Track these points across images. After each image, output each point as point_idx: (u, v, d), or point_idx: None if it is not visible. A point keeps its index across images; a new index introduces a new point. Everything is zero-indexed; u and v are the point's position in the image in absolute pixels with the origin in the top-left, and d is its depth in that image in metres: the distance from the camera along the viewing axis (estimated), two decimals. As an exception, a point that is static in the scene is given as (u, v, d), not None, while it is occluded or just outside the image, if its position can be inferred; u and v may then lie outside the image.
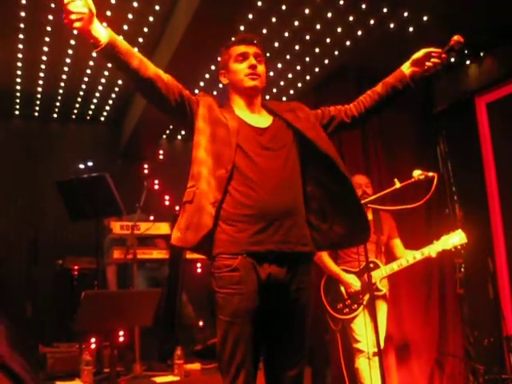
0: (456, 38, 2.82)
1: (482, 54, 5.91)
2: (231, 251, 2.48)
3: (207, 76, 6.43)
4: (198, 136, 2.64)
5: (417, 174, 3.50)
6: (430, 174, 3.47)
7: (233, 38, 2.88)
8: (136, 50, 2.56)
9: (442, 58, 2.82)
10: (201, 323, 6.33)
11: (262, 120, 2.74)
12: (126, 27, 5.54)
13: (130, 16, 5.39)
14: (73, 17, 2.29)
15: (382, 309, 4.70)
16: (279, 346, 2.58)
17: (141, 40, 5.83)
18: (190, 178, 2.62)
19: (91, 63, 6.31)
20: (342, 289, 4.67)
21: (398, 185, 3.46)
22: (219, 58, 2.88)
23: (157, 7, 5.35)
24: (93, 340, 5.19)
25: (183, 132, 8.25)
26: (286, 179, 2.59)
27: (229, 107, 2.77)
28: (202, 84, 6.58)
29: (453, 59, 5.91)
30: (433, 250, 4.52)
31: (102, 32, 2.40)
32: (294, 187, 2.63)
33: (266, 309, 2.52)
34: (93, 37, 2.38)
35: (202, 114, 2.66)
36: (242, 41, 2.77)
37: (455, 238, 4.51)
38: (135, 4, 5.24)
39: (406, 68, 2.95)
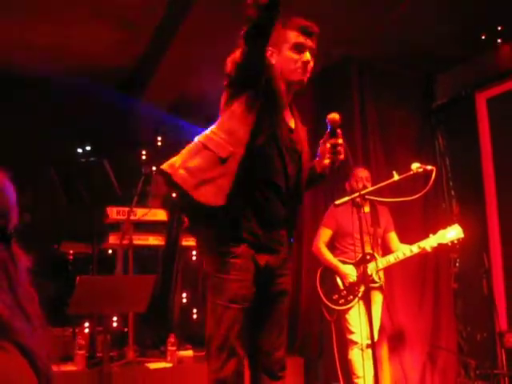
0: (330, 116, 2.66)
1: (482, 50, 5.90)
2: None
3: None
4: (251, 107, 2.52)
5: (415, 166, 3.49)
6: (429, 167, 3.47)
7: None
8: None
9: (333, 144, 2.66)
10: (194, 310, 6.34)
11: (289, 118, 2.76)
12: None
13: None
14: None
15: (378, 300, 4.72)
16: (264, 328, 2.65)
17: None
18: (225, 131, 2.54)
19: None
20: (338, 280, 4.68)
21: (396, 177, 3.46)
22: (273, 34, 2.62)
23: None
24: (86, 325, 5.20)
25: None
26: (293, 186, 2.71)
27: None
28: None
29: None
30: (429, 243, 4.53)
31: None
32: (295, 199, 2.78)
33: (257, 295, 2.57)
34: None
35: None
36: (303, 29, 2.64)
37: (452, 233, 4.52)
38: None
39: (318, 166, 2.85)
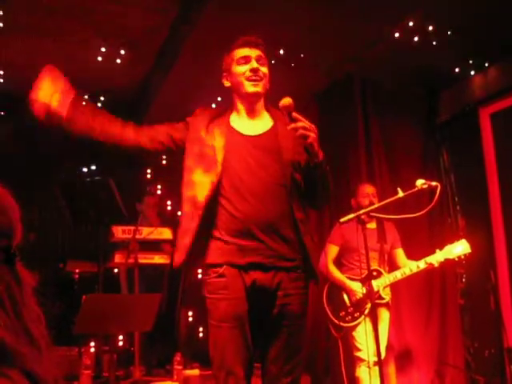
0: (281, 103, 2.50)
1: (486, 65, 5.91)
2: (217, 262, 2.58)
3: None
4: (187, 159, 2.70)
5: (420, 183, 3.48)
6: (434, 183, 3.47)
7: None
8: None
9: (293, 128, 2.47)
10: (201, 329, 6.32)
11: (258, 126, 2.75)
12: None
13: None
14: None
15: (385, 317, 4.69)
16: (272, 353, 2.58)
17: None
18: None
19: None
20: (345, 297, 4.66)
21: (401, 194, 3.45)
22: (223, 62, 2.85)
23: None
24: (92, 344, 5.19)
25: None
26: (269, 190, 2.60)
27: (224, 117, 2.78)
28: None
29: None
30: (436, 259, 4.50)
31: None
32: (279, 199, 2.61)
33: (256, 314, 2.55)
34: None
35: (190, 137, 2.72)
36: (245, 43, 2.74)
37: (459, 248, 4.50)
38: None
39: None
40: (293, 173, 2.64)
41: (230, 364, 2.45)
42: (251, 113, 2.76)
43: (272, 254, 2.55)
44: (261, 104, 2.79)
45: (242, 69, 2.69)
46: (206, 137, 2.68)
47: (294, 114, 2.46)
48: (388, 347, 4.74)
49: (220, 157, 2.61)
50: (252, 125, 2.74)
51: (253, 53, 2.71)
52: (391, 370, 5.08)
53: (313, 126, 2.47)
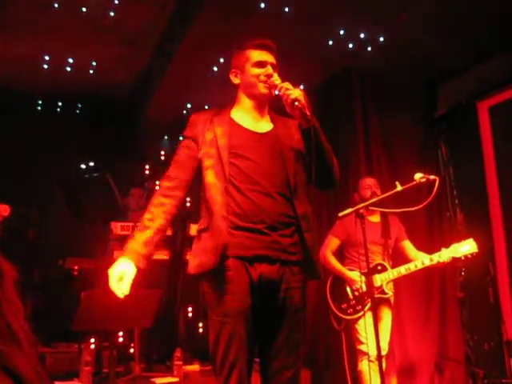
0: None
1: (484, 58, 5.90)
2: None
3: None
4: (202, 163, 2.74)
5: (418, 177, 3.49)
6: (432, 177, 3.47)
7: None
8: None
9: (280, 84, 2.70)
10: (200, 324, 6.33)
11: (260, 125, 2.81)
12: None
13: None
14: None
15: (387, 313, 4.68)
16: (273, 347, 2.59)
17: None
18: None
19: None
20: (348, 289, 4.66)
21: (399, 188, 3.46)
22: (233, 57, 2.90)
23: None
24: (92, 340, 5.19)
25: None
26: (272, 185, 2.64)
27: (225, 114, 2.83)
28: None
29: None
30: (442, 257, 4.49)
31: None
32: (281, 195, 2.65)
33: (258, 309, 2.55)
34: None
35: (200, 146, 2.76)
36: (262, 46, 2.81)
37: (466, 247, 4.47)
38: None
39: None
40: (295, 165, 2.70)
41: (233, 359, 2.45)
42: (258, 111, 2.83)
43: (277, 247, 2.57)
44: (267, 106, 2.87)
45: (257, 71, 2.77)
46: (210, 139, 2.72)
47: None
48: (390, 355, 4.74)
49: (225, 157, 2.65)
50: (255, 123, 2.81)
51: (269, 58, 2.79)
52: (391, 363, 5.07)
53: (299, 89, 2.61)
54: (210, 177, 2.66)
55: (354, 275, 4.62)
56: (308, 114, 2.57)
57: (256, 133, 2.76)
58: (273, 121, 2.85)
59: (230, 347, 2.45)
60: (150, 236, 2.63)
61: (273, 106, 2.90)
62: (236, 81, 2.85)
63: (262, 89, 2.76)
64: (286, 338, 2.58)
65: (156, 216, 2.67)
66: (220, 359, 2.47)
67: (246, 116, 2.82)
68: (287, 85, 2.63)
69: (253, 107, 2.82)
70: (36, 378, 1.28)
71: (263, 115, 2.85)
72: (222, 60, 5.76)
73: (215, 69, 6.03)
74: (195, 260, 2.65)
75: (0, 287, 1.30)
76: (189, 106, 7.03)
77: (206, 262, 2.56)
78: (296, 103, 2.55)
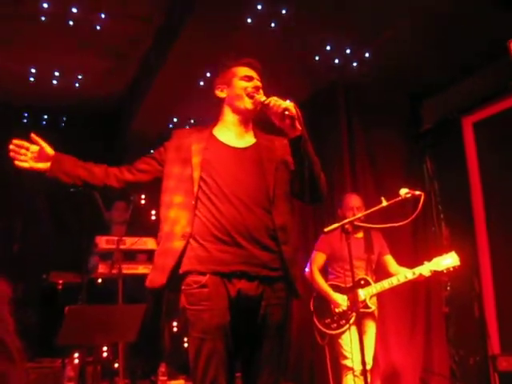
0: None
1: (468, 74, 5.94)
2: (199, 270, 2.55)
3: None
4: (166, 181, 2.77)
5: (403, 192, 3.50)
6: (417, 192, 3.48)
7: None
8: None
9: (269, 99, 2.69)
10: (186, 339, 6.28)
11: (243, 140, 2.82)
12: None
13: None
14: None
15: (371, 327, 4.69)
16: (255, 363, 2.57)
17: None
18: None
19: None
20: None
21: (384, 203, 3.46)
22: (218, 75, 2.95)
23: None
24: (76, 355, 5.14)
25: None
26: (249, 197, 2.63)
27: (205, 131, 2.85)
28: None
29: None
30: (424, 270, 4.51)
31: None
32: (259, 207, 2.63)
33: (238, 325, 2.53)
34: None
35: (169, 159, 2.81)
36: (248, 64, 2.88)
37: (448, 260, 4.50)
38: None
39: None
40: (275, 177, 2.70)
41: (213, 376, 2.43)
42: (242, 125, 2.84)
43: (256, 262, 2.54)
44: (251, 122, 2.89)
45: (245, 84, 2.81)
46: (185, 156, 2.74)
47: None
48: (374, 366, 4.74)
49: (197, 174, 2.66)
50: (237, 138, 2.82)
51: (254, 75, 2.85)
52: (376, 378, 5.06)
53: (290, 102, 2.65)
54: (173, 197, 2.69)
55: (340, 299, 4.62)
56: (299, 121, 2.61)
57: (236, 148, 2.77)
58: (256, 136, 2.87)
59: (210, 364, 2.43)
60: (82, 163, 2.89)
61: (258, 122, 2.91)
62: (222, 95, 2.87)
63: (248, 104, 2.77)
64: (267, 354, 2.56)
65: (100, 167, 2.93)
66: (200, 376, 2.45)
67: (228, 132, 2.83)
68: (275, 99, 2.64)
69: (237, 122, 2.84)
70: None
71: (247, 130, 2.86)
72: (208, 74, 5.78)
73: (201, 83, 6.04)
74: (150, 275, 2.73)
75: None
76: (175, 119, 7.04)
77: (155, 279, 2.66)
78: (286, 112, 2.57)
